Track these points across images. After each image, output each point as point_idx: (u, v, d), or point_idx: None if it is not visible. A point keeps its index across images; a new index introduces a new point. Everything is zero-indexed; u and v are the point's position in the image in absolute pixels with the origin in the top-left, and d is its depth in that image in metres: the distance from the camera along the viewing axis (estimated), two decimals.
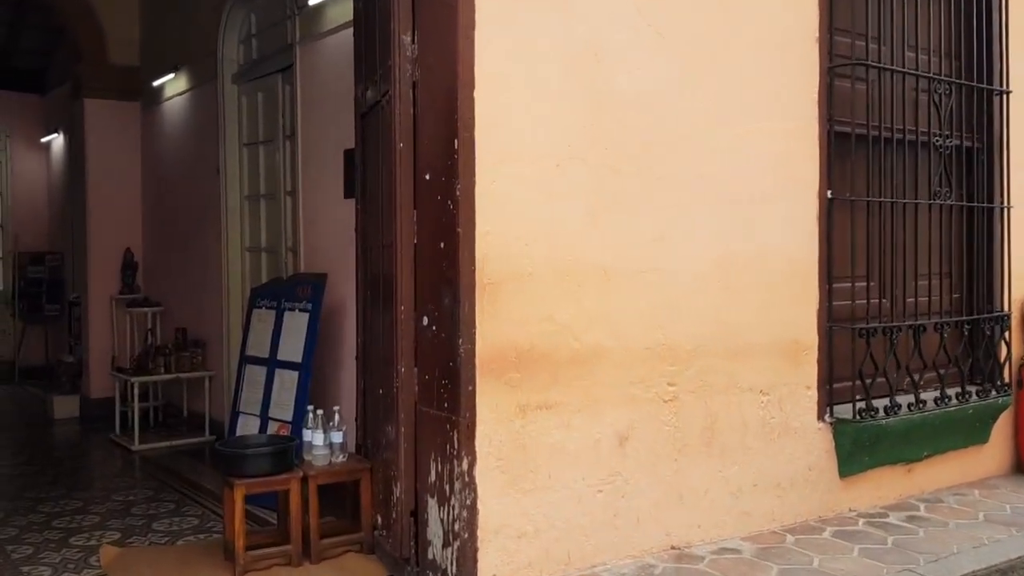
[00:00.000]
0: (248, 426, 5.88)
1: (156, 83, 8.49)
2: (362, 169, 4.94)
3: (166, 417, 8.28)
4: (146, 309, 8.48)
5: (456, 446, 3.81)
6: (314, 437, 4.66)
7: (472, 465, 3.77)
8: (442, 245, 3.89)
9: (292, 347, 5.72)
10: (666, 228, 4.35)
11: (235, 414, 6.02)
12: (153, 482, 6.35)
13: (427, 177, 4.00)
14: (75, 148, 9.20)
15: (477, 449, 3.78)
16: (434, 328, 3.97)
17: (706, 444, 4.47)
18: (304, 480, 4.45)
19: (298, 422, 5.46)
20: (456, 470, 3.82)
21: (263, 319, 6.01)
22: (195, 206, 8.14)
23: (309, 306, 5.70)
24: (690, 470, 4.41)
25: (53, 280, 11.29)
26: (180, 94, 8.34)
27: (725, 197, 4.54)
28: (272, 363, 5.83)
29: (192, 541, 4.98)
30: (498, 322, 3.84)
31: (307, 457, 4.66)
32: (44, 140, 11.45)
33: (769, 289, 4.69)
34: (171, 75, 8.27)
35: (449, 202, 3.81)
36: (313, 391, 5.61)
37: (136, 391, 7.44)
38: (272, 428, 5.70)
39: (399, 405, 4.12)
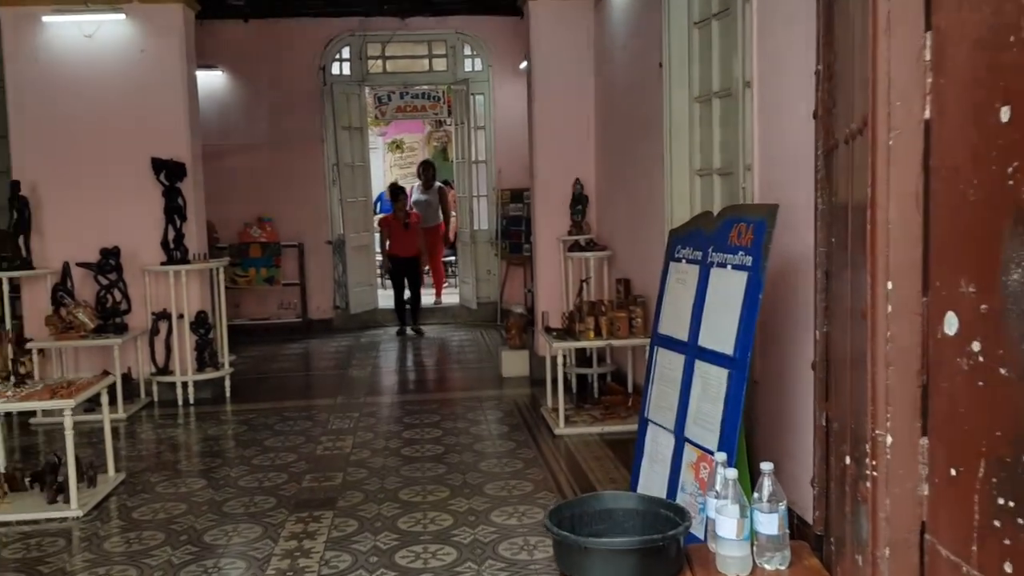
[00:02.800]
0: (658, 445, 3.79)
1: None
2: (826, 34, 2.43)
3: (609, 390, 6.59)
4: (587, 254, 6.84)
5: None
6: (723, 520, 2.40)
7: None
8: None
9: (720, 326, 3.45)
10: None
11: (643, 421, 3.98)
12: (548, 493, 4.65)
13: None
14: (528, 61, 7.88)
15: None
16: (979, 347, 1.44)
17: None
18: None
19: (727, 452, 3.24)
20: None
21: (682, 278, 3.82)
22: (637, 117, 6.19)
23: (748, 260, 3.36)
24: None
25: (531, 218, 10.42)
26: None
27: None
28: (691, 349, 3.64)
29: None
30: None
31: (713, 548, 2.45)
32: (523, 67, 10.50)
33: None
34: None
35: None
36: (751, 405, 3.30)
37: (561, 359, 5.83)
38: (689, 457, 3.53)
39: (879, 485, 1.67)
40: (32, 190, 7.03)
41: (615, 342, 5.82)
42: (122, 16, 7.00)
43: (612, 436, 5.69)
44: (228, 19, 10.33)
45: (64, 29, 7.01)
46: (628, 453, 5.40)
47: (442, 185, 12.45)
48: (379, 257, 11.11)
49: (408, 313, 10.19)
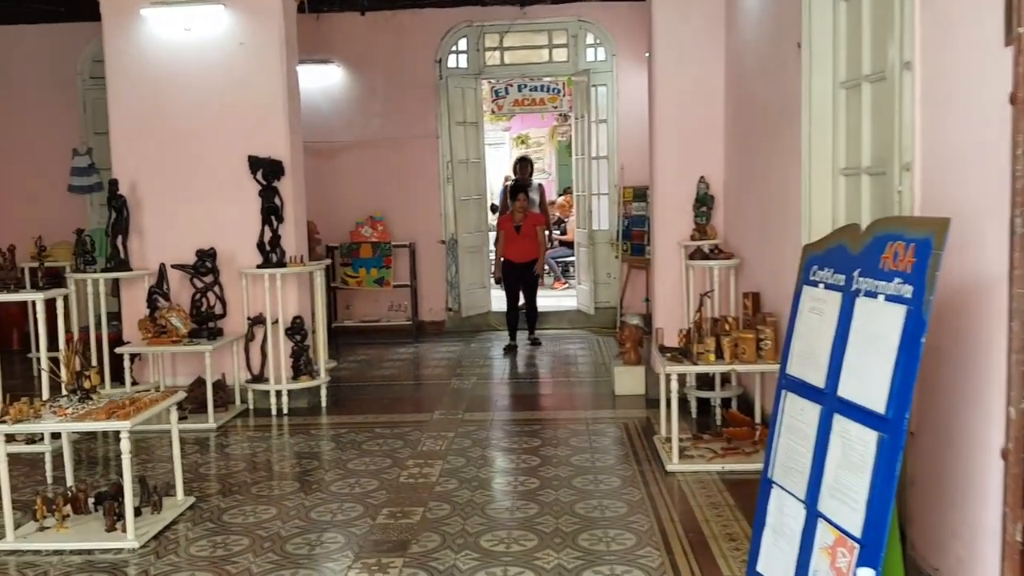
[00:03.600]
0: (784, 515, 3.04)
1: None
2: None
3: (732, 420, 5.79)
4: (711, 262, 6.06)
5: None
6: None
7: None
8: None
9: (867, 374, 2.68)
10: None
11: (766, 482, 3.22)
12: (652, 551, 3.96)
13: None
14: (650, 48, 7.14)
15: None
16: None
17: None
18: None
19: (873, 541, 2.50)
20: None
21: (818, 308, 3.04)
22: (772, 107, 5.38)
23: (907, 290, 2.57)
24: None
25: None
26: None
27: None
28: (829, 399, 2.87)
29: None
30: None
31: None
32: (648, 55, 9.72)
33: None
34: None
35: None
36: (912, 474, 2.53)
37: (674, 383, 5.10)
38: (824, 539, 2.77)
39: None
40: (131, 189, 6.86)
41: (739, 367, 5.03)
42: (220, 7, 6.71)
43: (734, 476, 4.93)
44: (345, 11, 10.06)
45: (162, 22, 6.79)
46: (751, 499, 4.65)
47: (541, 184, 11.60)
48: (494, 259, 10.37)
49: (523, 321, 9.36)
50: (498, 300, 10.39)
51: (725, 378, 6.11)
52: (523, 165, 10.76)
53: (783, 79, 5.11)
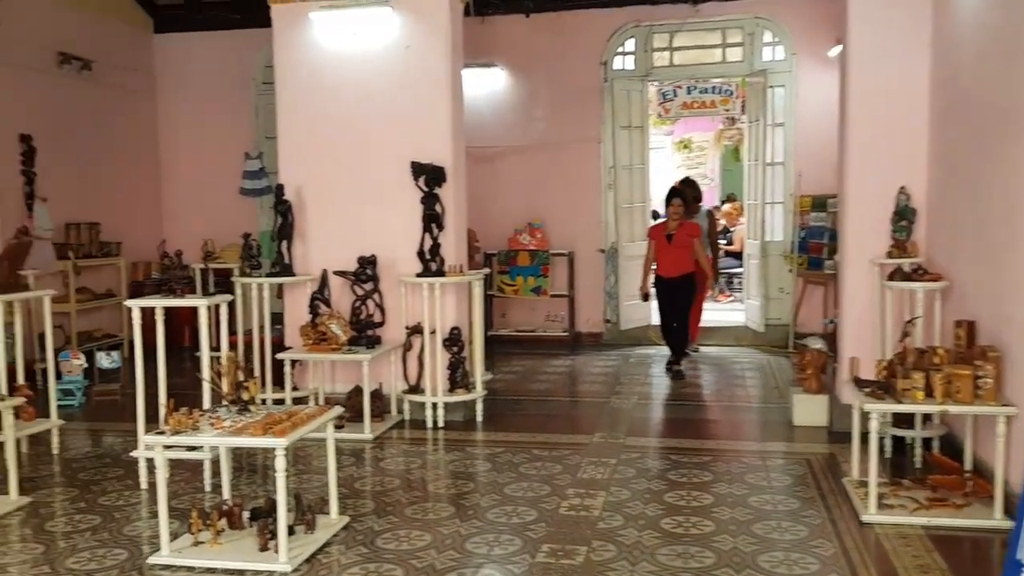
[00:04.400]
0: None
1: None
2: None
3: (937, 464, 5.08)
4: (914, 285, 5.36)
5: None
6: None
7: None
8: None
9: None
10: None
11: (1013, 565, 2.64)
12: None
13: None
14: (844, 45, 6.49)
15: None
16: None
17: None
18: None
19: None
20: None
21: None
22: (995, 109, 4.67)
23: None
24: None
25: (837, 230, 8.91)
26: None
27: None
28: None
29: None
30: None
31: None
32: (832, 53, 8.98)
33: None
34: None
35: None
36: None
37: (874, 423, 4.49)
38: None
39: None
40: (296, 193, 6.85)
41: (953, 408, 4.37)
42: (388, 9, 6.59)
43: (943, 532, 4.28)
44: (510, 14, 9.85)
45: (330, 26, 6.73)
46: (966, 562, 4.03)
47: (711, 210, 9.92)
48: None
49: (674, 343, 8.36)
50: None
51: (926, 415, 5.41)
52: (685, 188, 8.92)
53: (1011, 77, 4.41)
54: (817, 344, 6.56)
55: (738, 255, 11.67)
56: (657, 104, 11.22)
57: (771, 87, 9.53)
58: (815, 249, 9.40)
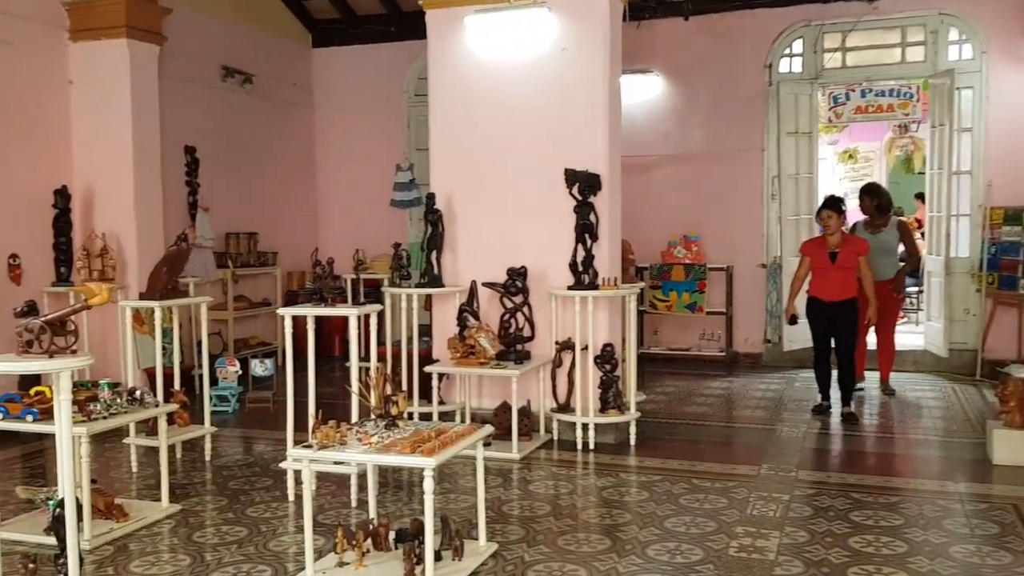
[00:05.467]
0: None
1: None
2: None
3: None
4: None
5: None
6: None
7: None
8: None
9: None
10: None
11: None
12: None
13: None
14: None
15: None
16: None
17: None
18: None
19: None
20: None
21: None
22: None
23: None
24: None
25: None
26: None
27: None
28: None
29: None
30: None
31: None
32: None
33: None
34: None
35: None
36: None
37: None
38: None
39: None
40: (447, 203, 6.67)
41: None
42: (544, 9, 6.32)
43: None
44: (667, 17, 9.44)
45: (484, 29, 6.53)
46: None
47: (902, 220, 8.57)
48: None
49: (834, 384, 7.20)
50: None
51: None
52: (872, 195, 7.99)
53: None
54: (1021, 373, 5.78)
55: (913, 272, 10.72)
56: (827, 109, 10.47)
57: (958, 89, 8.66)
58: (1007, 267, 8.47)
